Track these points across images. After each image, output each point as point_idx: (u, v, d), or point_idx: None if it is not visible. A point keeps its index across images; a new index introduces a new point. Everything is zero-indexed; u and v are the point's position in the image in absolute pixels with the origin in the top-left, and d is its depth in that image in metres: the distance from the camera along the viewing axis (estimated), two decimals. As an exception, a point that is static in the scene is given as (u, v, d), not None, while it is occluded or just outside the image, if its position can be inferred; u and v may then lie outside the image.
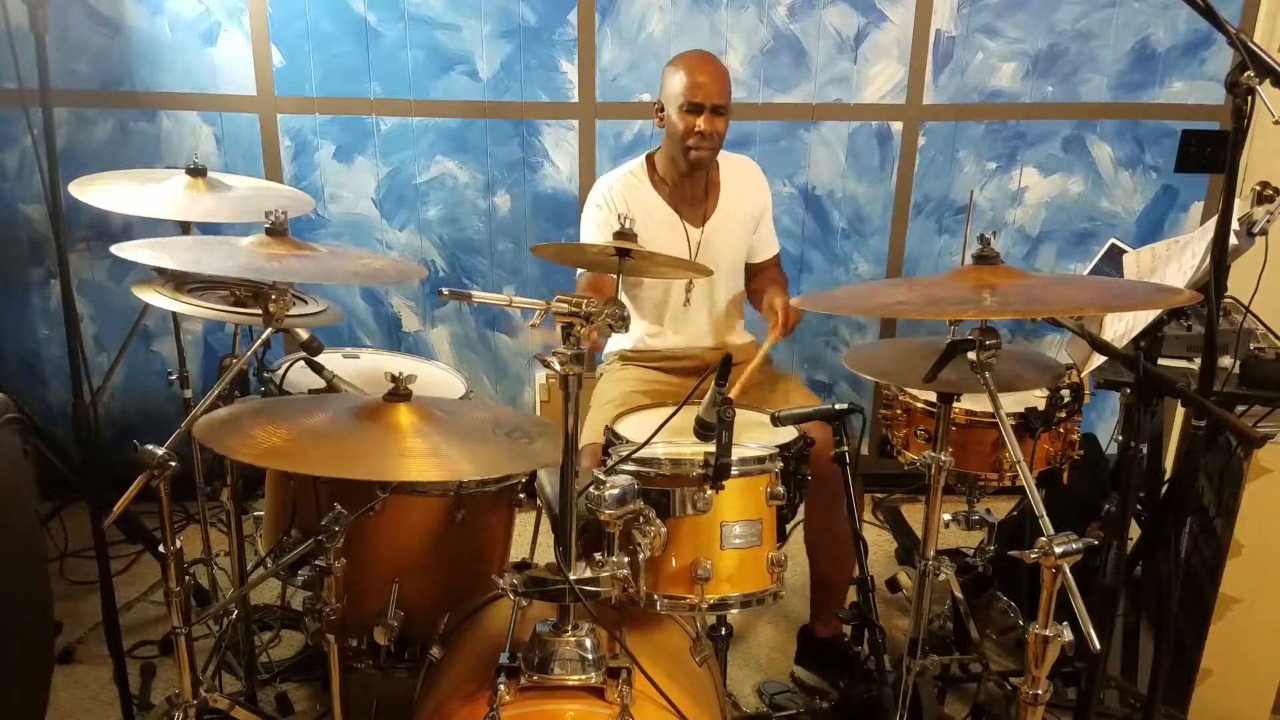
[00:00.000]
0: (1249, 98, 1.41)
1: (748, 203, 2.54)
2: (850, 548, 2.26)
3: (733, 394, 2.12)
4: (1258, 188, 1.92)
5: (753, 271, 2.62)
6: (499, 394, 3.41)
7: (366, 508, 1.59)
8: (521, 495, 1.91)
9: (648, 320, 2.53)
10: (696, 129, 2.30)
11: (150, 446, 1.46)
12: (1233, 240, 1.65)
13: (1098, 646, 1.26)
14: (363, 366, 2.33)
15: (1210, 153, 3.10)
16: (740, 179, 2.53)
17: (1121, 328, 2.01)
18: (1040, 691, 1.38)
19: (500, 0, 3.00)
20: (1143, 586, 2.23)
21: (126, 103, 3.03)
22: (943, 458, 1.85)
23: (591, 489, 1.50)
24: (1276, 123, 1.35)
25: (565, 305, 1.37)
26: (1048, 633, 1.34)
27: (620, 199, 2.42)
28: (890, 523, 3.18)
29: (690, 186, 2.46)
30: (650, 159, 2.50)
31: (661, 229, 2.41)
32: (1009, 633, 2.52)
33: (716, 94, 2.32)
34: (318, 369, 1.98)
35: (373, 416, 1.54)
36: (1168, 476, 2.47)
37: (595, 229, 2.45)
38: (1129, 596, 2.21)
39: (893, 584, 2.70)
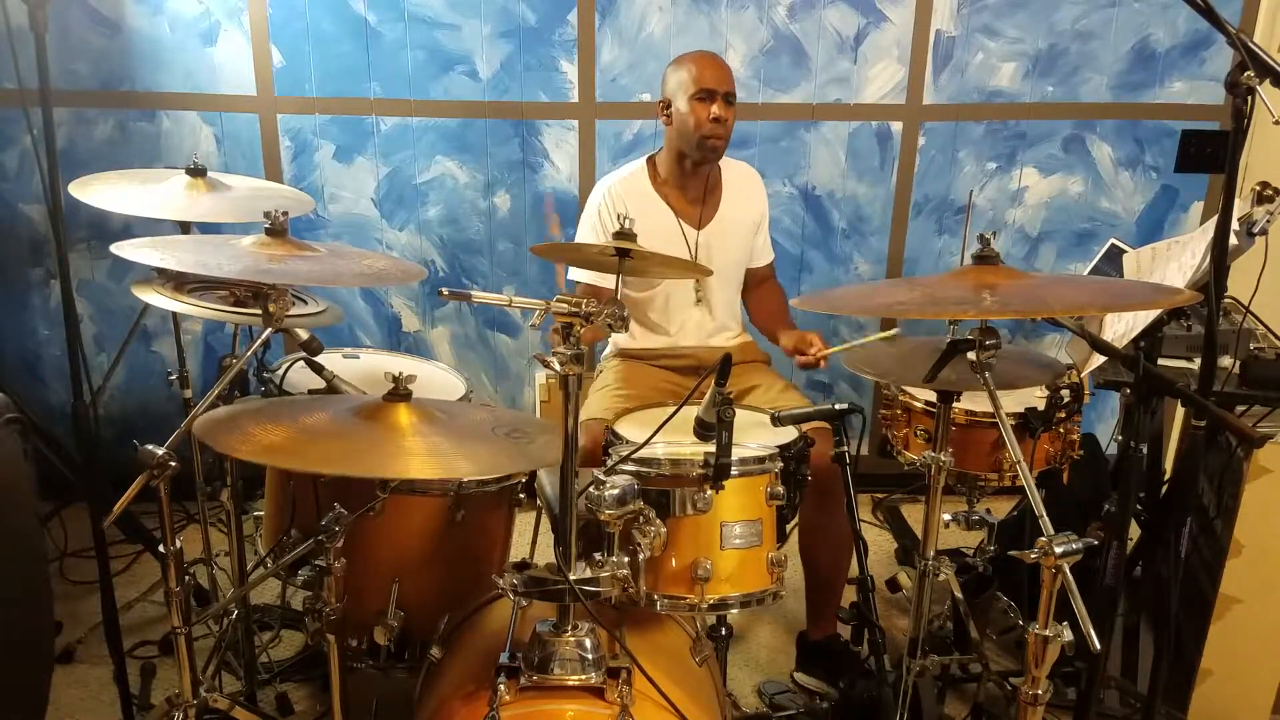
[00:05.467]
0: (1249, 98, 1.41)
1: (748, 208, 2.55)
2: (847, 548, 2.26)
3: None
4: (1258, 188, 1.92)
5: (747, 278, 2.62)
6: (499, 394, 3.40)
7: (366, 508, 1.59)
8: (521, 495, 1.91)
9: (647, 321, 2.53)
10: (712, 116, 2.30)
11: (150, 446, 1.46)
12: (1233, 240, 1.65)
13: (1098, 646, 1.26)
14: (363, 366, 2.32)
15: (1210, 153, 3.09)
16: (740, 184, 2.54)
17: (1121, 328, 2.01)
18: (1040, 691, 1.38)
19: (500, 0, 3.00)
20: (1143, 586, 2.23)
21: (126, 103, 3.03)
22: (943, 458, 1.85)
23: (591, 489, 1.50)
24: (1276, 123, 1.35)
25: (565, 305, 1.37)
26: (1048, 633, 1.34)
27: (620, 201, 2.42)
28: (890, 523, 3.18)
29: (693, 188, 2.46)
30: (652, 161, 2.50)
31: (661, 231, 2.41)
32: (1009, 633, 2.53)
33: (726, 82, 2.34)
34: (318, 369, 1.98)
35: (373, 416, 1.54)
36: (1168, 476, 2.47)
37: (590, 233, 2.46)
38: (1129, 596, 2.21)
39: (893, 584, 2.70)
